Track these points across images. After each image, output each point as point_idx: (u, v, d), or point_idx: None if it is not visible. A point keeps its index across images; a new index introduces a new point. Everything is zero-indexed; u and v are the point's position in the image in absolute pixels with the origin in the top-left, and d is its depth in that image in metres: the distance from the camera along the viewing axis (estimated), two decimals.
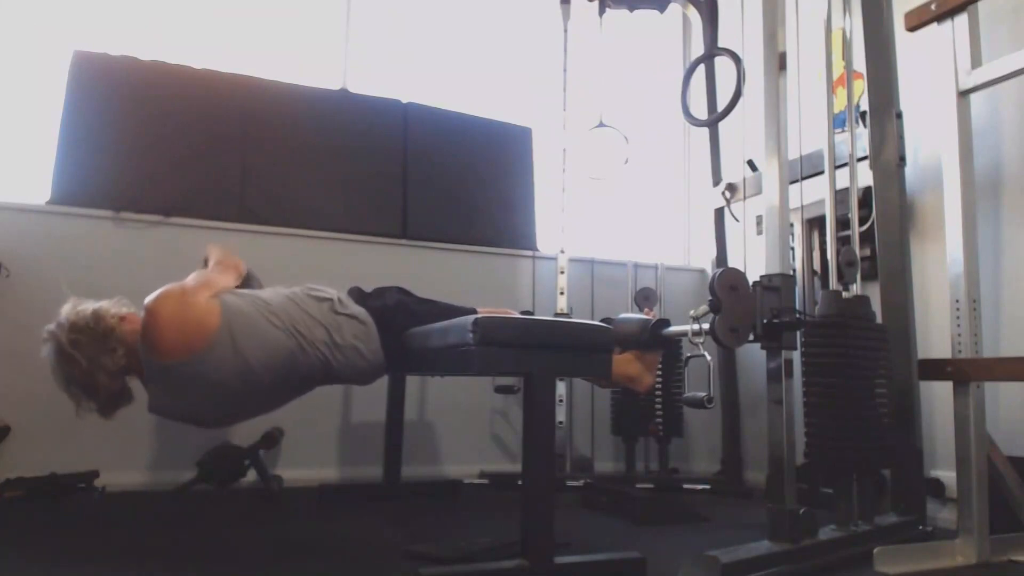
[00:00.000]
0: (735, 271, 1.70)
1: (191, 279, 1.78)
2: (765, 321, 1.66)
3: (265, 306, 1.79)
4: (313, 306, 1.86)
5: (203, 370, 1.66)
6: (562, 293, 2.81)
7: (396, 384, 2.47)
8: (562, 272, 2.83)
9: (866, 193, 2.16)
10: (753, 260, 2.18)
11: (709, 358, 1.87)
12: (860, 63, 2.16)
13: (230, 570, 1.51)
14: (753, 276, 1.72)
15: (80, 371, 1.66)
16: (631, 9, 2.89)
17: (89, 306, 1.71)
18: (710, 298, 1.68)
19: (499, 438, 2.98)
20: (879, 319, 1.95)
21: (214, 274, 1.87)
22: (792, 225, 2.36)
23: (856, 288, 1.90)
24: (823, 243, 2.53)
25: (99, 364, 1.66)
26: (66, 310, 1.70)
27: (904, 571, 1.58)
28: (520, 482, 1.63)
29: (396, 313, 1.94)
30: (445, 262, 2.99)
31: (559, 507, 1.53)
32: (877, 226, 2.09)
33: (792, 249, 2.52)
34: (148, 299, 1.67)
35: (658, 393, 2.76)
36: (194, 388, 1.69)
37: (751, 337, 1.69)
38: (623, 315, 2.43)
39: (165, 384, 1.69)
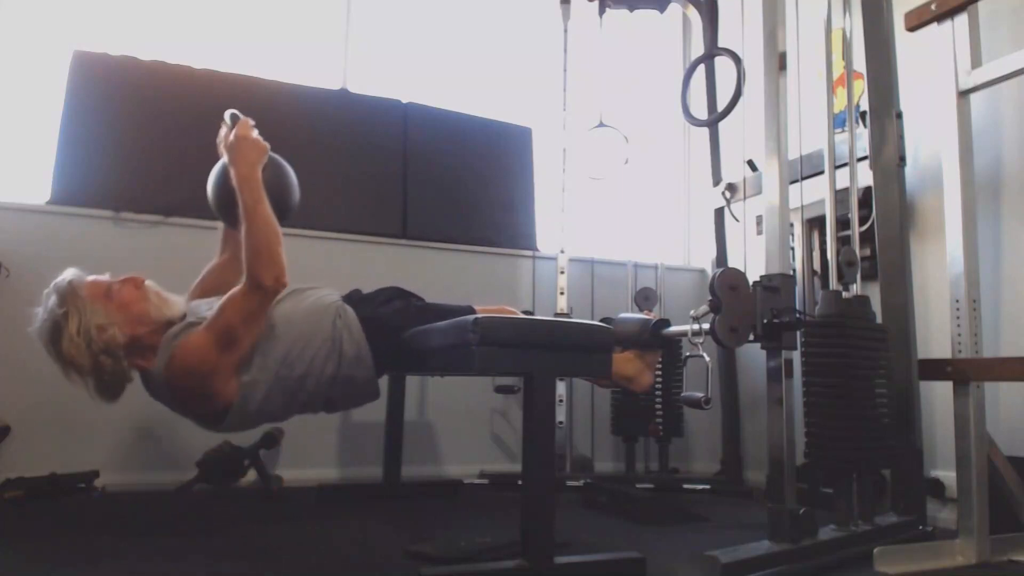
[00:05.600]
0: (735, 271, 1.70)
1: (219, 334, 1.64)
2: (765, 321, 1.66)
3: (284, 358, 1.76)
4: (327, 327, 1.84)
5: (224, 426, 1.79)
6: (562, 293, 2.81)
7: (396, 384, 2.47)
8: (562, 272, 2.83)
9: (866, 193, 2.16)
10: (753, 260, 2.18)
11: (707, 359, 1.87)
12: (860, 63, 2.16)
13: (230, 570, 1.51)
14: (753, 276, 1.72)
15: (77, 367, 1.65)
16: (631, 9, 2.89)
17: (98, 318, 1.63)
18: (710, 298, 1.68)
19: (499, 438, 2.98)
20: (879, 319, 1.95)
21: (235, 314, 1.65)
22: (792, 225, 2.36)
23: (856, 288, 1.90)
24: (823, 243, 2.53)
25: (100, 365, 1.65)
26: (74, 324, 1.61)
27: (904, 571, 1.58)
28: (520, 482, 1.63)
29: (394, 320, 1.94)
30: (445, 262, 2.99)
31: (559, 507, 1.53)
32: (877, 226, 2.09)
33: (792, 249, 2.52)
34: (170, 361, 1.64)
35: (658, 393, 2.76)
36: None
37: (751, 337, 1.69)
38: (623, 315, 2.43)
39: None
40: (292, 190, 1.90)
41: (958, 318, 1.82)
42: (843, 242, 1.93)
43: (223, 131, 1.82)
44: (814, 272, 2.62)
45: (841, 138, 2.14)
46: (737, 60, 2.48)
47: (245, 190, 1.71)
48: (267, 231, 1.69)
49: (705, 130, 3.10)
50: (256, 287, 1.65)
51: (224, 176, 1.79)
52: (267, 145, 1.80)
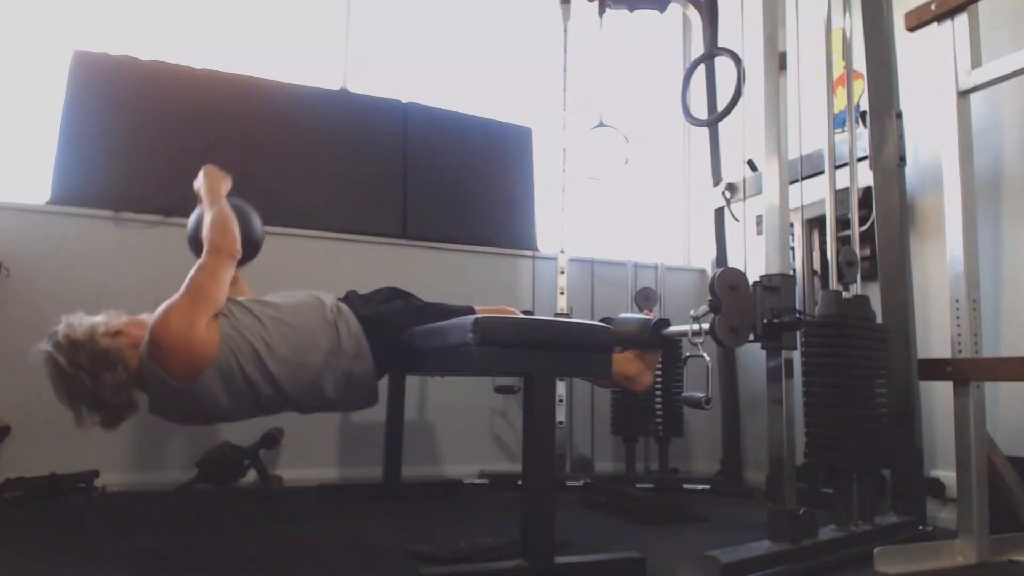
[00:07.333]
0: (735, 271, 1.70)
1: (192, 291, 1.76)
2: (765, 321, 1.66)
3: (265, 330, 1.80)
4: (319, 323, 1.86)
5: (206, 394, 1.74)
6: (562, 293, 2.81)
7: (396, 384, 2.47)
8: (562, 272, 2.83)
9: (866, 193, 2.16)
10: (753, 260, 2.18)
11: (707, 359, 1.88)
12: (860, 63, 2.16)
13: (230, 570, 1.51)
14: (753, 276, 1.72)
15: (84, 389, 1.67)
16: (631, 9, 2.89)
17: (84, 322, 1.71)
18: (710, 298, 1.68)
19: (499, 438, 2.98)
20: (879, 319, 1.95)
21: (210, 276, 1.81)
22: (792, 225, 2.36)
23: (856, 288, 1.90)
24: (823, 243, 2.53)
25: (102, 381, 1.68)
26: (60, 329, 1.69)
27: (904, 571, 1.58)
28: (520, 482, 1.63)
29: (393, 319, 1.94)
30: (445, 262, 2.99)
31: (559, 507, 1.53)
32: (877, 226, 2.09)
33: (792, 249, 2.52)
34: (152, 321, 1.70)
35: (658, 393, 2.76)
36: (195, 403, 1.75)
37: (751, 337, 1.69)
38: (623, 315, 2.43)
39: (168, 396, 1.74)
40: (253, 224, 2.12)
41: (958, 318, 1.82)
42: (843, 242, 1.93)
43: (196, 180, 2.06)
44: (814, 272, 2.62)
45: (841, 138, 2.14)
46: (737, 60, 2.48)
47: (208, 197, 1.98)
48: (222, 216, 1.92)
49: (705, 130, 3.10)
50: (214, 249, 1.85)
51: (199, 218, 2.01)
52: (228, 175, 2.08)
